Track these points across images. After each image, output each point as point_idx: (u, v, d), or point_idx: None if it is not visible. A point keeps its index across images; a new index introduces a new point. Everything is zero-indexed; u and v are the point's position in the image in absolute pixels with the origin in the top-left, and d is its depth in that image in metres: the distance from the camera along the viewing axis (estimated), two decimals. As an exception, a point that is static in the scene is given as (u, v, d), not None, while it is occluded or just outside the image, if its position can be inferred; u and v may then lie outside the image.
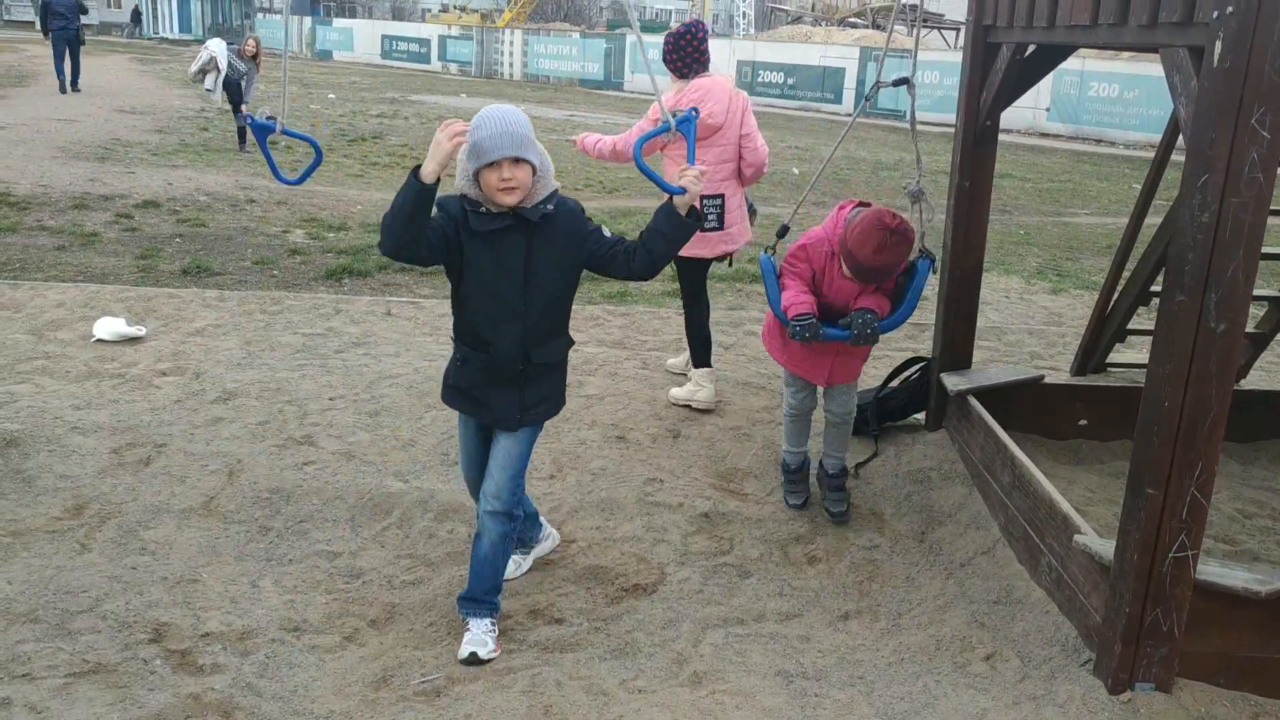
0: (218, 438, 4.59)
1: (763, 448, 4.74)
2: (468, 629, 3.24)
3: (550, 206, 3.06)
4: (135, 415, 4.76)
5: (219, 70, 13.46)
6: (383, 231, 2.97)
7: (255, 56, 13.84)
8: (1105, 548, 3.06)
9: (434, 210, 2.97)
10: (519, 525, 3.37)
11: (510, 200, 2.98)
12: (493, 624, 3.27)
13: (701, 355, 5.24)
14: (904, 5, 42.10)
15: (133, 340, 5.82)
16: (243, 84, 13.63)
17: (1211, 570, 2.97)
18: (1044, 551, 3.48)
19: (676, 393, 5.27)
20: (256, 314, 6.52)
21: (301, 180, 3.61)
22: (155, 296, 6.70)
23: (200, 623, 3.29)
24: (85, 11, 21.10)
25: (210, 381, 5.25)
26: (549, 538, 3.83)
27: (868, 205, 3.88)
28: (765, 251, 4.15)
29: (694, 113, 3.25)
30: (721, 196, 4.97)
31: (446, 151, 2.84)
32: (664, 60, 5.07)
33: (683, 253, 4.33)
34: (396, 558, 3.78)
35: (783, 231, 4.22)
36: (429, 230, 2.96)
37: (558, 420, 4.94)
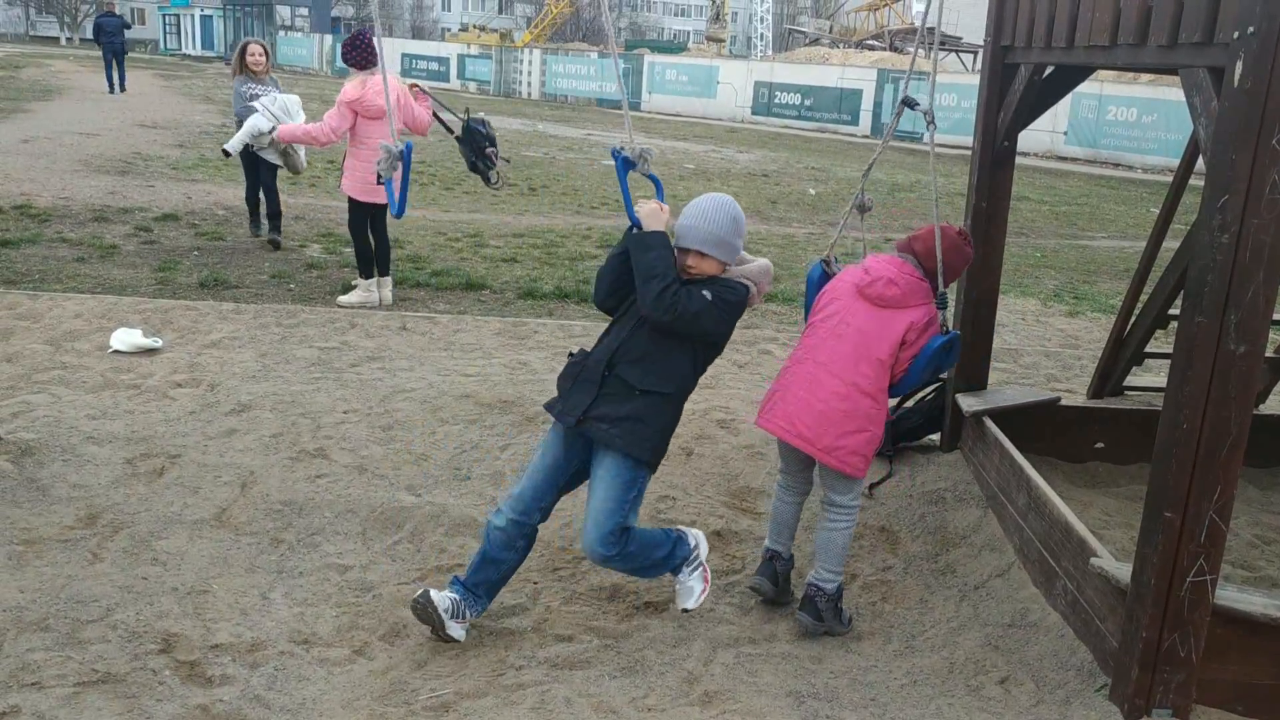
0: (231, 449, 4.60)
1: (775, 467, 4.70)
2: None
3: None
4: (150, 426, 4.78)
5: (268, 131, 11.91)
6: (656, 295, 3.09)
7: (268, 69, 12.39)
8: (1122, 571, 3.02)
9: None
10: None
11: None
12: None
13: (365, 269, 7.30)
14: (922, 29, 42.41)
15: (149, 352, 5.85)
16: (280, 112, 12.26)
17: (1230, 595, 2.93)
18: (1060, 574, 3.44)
19: (345, 299, 7.30)
20: (272, 327, 6.55)
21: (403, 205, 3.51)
22: (172, 309, 6.74)
23: (210, 634, 3.28)
24: (129, 27, 26.78)
25: (225, 393, 5.26)
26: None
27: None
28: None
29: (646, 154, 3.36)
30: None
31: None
32: (344, 59, 6.98)
33: (357, 196, 6.95)
34: (407, 572, 3.77)
35: (943, 302, 3.60)
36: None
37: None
